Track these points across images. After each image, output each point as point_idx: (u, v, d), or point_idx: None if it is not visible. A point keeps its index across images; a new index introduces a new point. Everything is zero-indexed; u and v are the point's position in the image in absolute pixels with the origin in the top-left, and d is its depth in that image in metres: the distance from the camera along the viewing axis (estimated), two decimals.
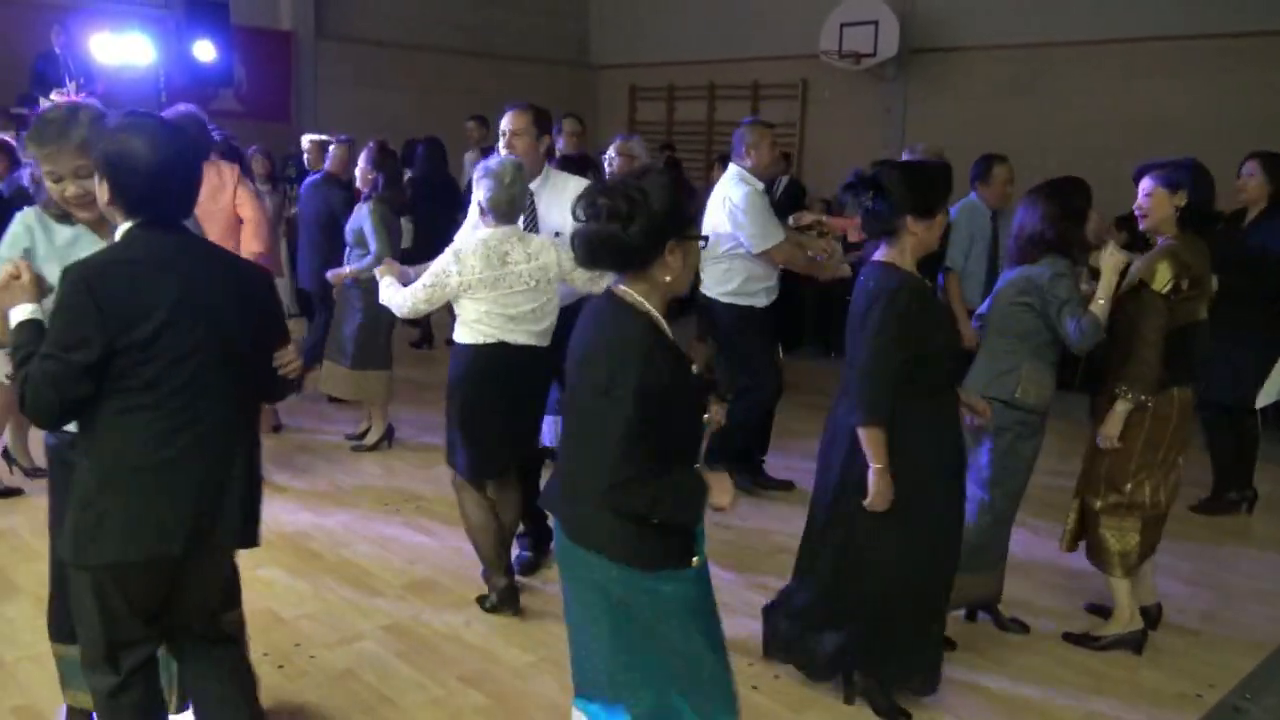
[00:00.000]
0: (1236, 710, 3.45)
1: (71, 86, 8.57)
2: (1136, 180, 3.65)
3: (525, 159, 3.93)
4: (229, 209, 5.19)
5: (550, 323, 3.79)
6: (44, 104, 8.75)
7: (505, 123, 4.11)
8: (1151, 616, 3.91)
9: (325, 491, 5.20)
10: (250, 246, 5.20)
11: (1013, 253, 3.66)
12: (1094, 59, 10.08)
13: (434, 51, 12.84)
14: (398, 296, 3.80)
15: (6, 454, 5.11)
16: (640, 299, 2.24)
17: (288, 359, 2.44)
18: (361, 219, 5.49)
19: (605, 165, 5.75)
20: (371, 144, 5.68)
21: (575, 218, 2.22)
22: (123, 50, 9.40)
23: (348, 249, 5.62)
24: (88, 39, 9.27)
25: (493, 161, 3.72)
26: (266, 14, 11.57)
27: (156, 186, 2.17)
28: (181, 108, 4.66)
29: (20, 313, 2.25)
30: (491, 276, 3.63)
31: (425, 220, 7.85)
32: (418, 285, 3.73)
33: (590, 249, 2.20)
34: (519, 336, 3.71)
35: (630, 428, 2.10)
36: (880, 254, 3.08)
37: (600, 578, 2.26)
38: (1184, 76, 9.55)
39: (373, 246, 5.41)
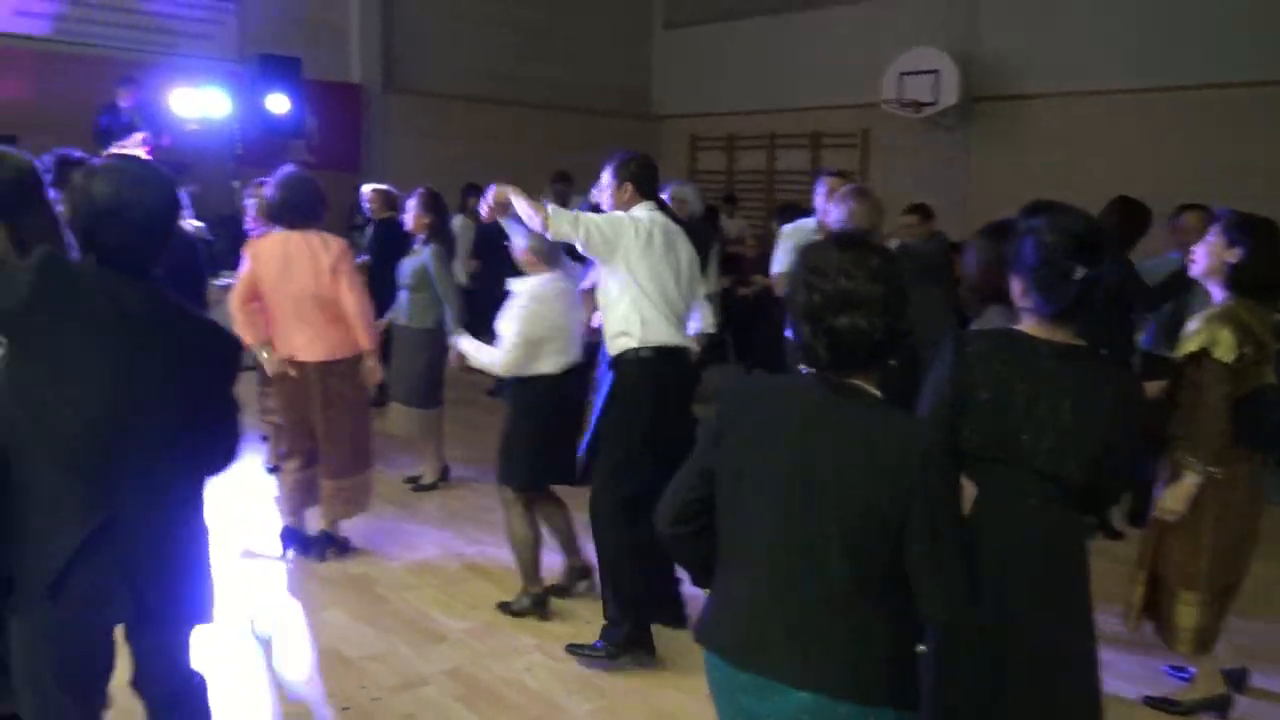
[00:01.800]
0: None
1: (134, 139, 8.79)
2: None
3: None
4: (329, 293, 4.39)
5: None
6: (100, 156, 9.05)
7: None
8: (1235, 679, 3.76)
9: (389, 533, 5.24)
10: (364, 343, 4.56)
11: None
12: (1156, 106, 9.95)
13: (499, 105, 13.09)
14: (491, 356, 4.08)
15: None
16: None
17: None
18: (424, 260, 5.67)
19: None
20: (422, 190, 5.81)
21: (819, 309, 1.81)
22: (200, 104, 9.74)
23: (402, 290, 5.78)
24: (166, 94, 9.59)
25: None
26: (337, 68, 11.91)
27: (106, 224, 2.13)
28: (290, 168, 4.58)
29: None
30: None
31: (492, 264, 7.93)
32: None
33: (861, 348, 1.82)
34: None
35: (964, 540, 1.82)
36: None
37: None
38: (1252, 124, 9.37)
39: (439, 289, 5.64)
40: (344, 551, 4.91)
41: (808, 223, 5.28)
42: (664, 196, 5.83)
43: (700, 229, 5.79)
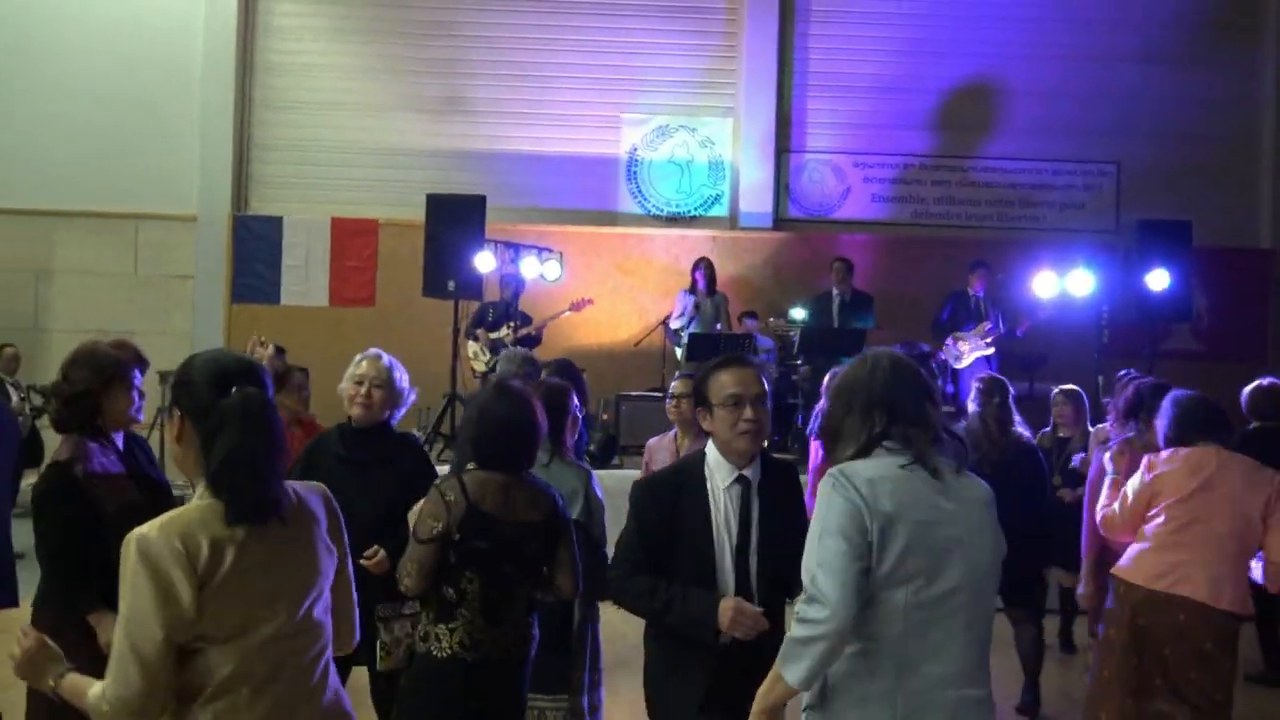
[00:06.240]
0: None
1: (979, 329, 8.65)
2: None
3: None
4: (1252, 532, 3.83)
5: None
6: (950, 345, 8.36)
7: None
8: None
9: None
10: None
11: None
12: None
13: None
14: None
15: None
16: None
17: None
18: None
19: None
20: None
21: None
22: (1060, 283, 8.80)
23: None
24: (1023, 274, 8.91)
25: None
26: (1241, 231, 10.10)
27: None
28: (1178, 393, 4.00)
29: None
30: None
31: None
32: None
33: None
34: None
35: None
36: None
37: None
38: None
39: None
40: None
41: None
42: None
43: None
